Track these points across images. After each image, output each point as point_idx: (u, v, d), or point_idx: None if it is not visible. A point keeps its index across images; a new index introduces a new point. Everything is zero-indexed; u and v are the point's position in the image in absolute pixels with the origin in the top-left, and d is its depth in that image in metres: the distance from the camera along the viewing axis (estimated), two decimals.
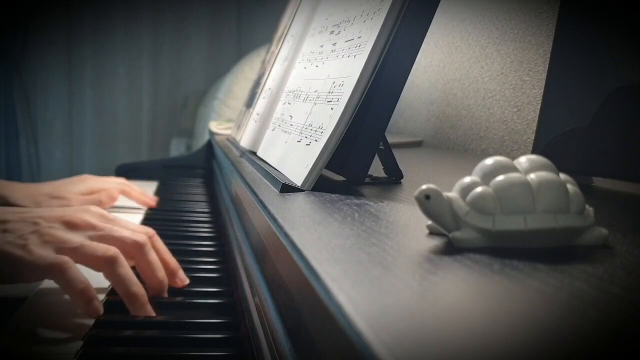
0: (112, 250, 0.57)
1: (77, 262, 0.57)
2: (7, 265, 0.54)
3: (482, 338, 0.19)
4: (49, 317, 0.57)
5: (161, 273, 0.61)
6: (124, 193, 1.02)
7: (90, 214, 0.62)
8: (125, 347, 0.51)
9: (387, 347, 0.18)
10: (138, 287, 0.57)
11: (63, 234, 0.58)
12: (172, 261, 0.64)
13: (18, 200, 0.90)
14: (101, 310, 0.54)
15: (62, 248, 0.56)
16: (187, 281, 0.64)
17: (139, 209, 1.04)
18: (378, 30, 0.49)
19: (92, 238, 0.59)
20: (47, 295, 0.62)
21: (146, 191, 1.28)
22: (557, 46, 0.66)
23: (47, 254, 0.55)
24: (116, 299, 0.61)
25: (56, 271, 0.53)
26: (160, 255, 0.63)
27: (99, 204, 0.94)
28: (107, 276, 0.57)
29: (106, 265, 0.56)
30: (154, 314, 0.57)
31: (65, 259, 0.54)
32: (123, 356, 0.50)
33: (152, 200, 1.06)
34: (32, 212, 0.61)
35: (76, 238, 0.58)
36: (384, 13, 0.49)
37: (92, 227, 0.60)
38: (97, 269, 0.57)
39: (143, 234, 0.62)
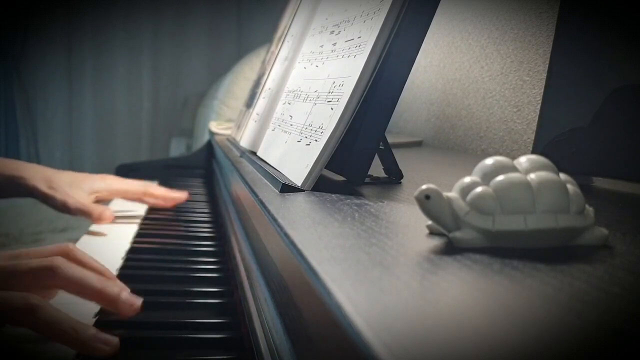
0: (31, 298, 0.45)
1: None
2: None
3: (482, 338, 0.19)
4: None
5: (95, 282, 0.50)
6: (147, 195, 0.99)
7: None
8: (125, 347, 0.51)
9: (387, 347, 0.18)
10: (76, 329, 0.46)
11: None
12: (97, 281, 0.50)
13: (33, 181, 0.90)
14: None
15: None
16: (138, 304, 0.51)
17: (135, 217, 0.99)
18: (378, 30, 0.49)
19: None
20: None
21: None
22: (557, 46, 0.66)
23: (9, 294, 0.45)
24: None
25: (27, 314, 0.44)
26: (86, 266, 0.52)
27: (94, 218, 0.90)
28: (31, 328, 0.45)
29: (27, 317, 0.45)
30: (109, 352, 0.46)
31: (33, 299, 0.45)
32: (123, 356, 0.50)
33: (181, 196, 1.02)
34: None
35: None
36: (384, 13, 0.49)
37: None
38: (16, 323, 0.46)
39: (56, 254, 0.51)
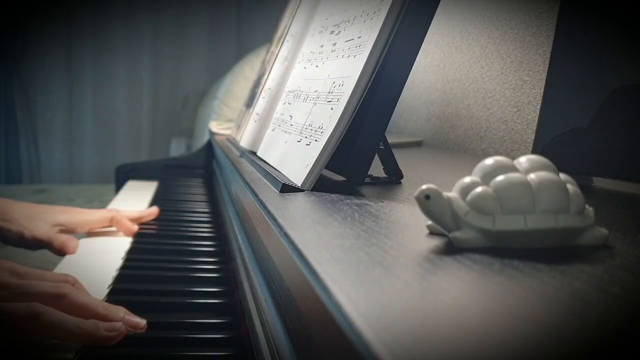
0: (34, 306, 0.49)
1: None
2: None
3: (482, 338, 0.19)
4: None
5: (100, 308, 0.53)
6: (114, 223, 0.91)
7: (7, 274, 0.54)
8: (126, 347, 0.51)
9: (387, 347, 0.18)
10: (78, 324, 0.50)
11: None
12: (106, 311, 0.53)
13: None
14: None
15: None
16: (144, 323, 0.54)
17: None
18: (378, 30, 0.49)
19: (6, 299, 0.51)
20: None
21: (147, 190, 1.28)
22: (557, 46, 0.66)
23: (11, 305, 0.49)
24: (116, 299, 0.61)
25: (30, 320, 0.48)
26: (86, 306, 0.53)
27: (56, 249, 0.83)
28: (38, 334, 0.50)
29: (32, 322, 0.48)
30: (117, 335, 0.50)
31: (32, 306, 0.48)
32: (123, 356, 0.50)
33: (150, 212, 0.96)
34: None
35: None
36: (384, 13, 0.49)
37: (5, 287, 0.52)
38: (21, 332, 0.49)
39: (63, 282, 0.55)
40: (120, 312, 0.53)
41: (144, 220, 0.95)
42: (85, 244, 0.85)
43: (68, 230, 0.88)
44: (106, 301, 0.58)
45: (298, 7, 0.87)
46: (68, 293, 0.52)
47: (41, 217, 0.85)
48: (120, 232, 0.91)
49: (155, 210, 0.98)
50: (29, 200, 0.93)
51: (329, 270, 0.26)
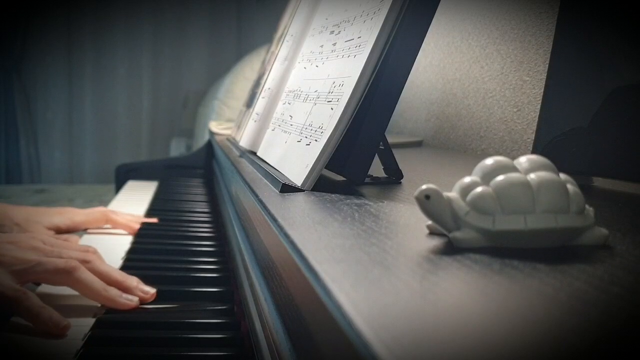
0: (72, 261, 0.58)
1: (37, 280, 0.59)
2: None
3: (482, 338, 0.19)
4: None
5: (116, 275, 0.61)
6: (109, 222, 0.92)
7: (35, 240, 0.62)
8: (125, 347, 0.51)
9: (387, 347, 0.18)
10: (105, 288, 0.58)
11: (18, 254, 0.58)
12: (125, 279, 0.61)
13: None
14: (64, 322, 0.53)
15: (19, 270, 0.56)
16: (153, 291, 0.61)
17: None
18: (378, 30, 0.49)
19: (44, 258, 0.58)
20: (47, 295, 0.62)
21: (147, 190, 1.28)
22: (557, 46, 0.66)
23: (3, 279, 0.54)
24: None
25: (13, 302, 0.53)
26: (107, 274, 0.61)
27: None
28: (72, 286, 0.58)
29: (68, 276, 0.57)
30: (135, 304, 0.59)
31: (22, 291, 0.54)
32: (123, 356, 0.50)
33: (138, 224, 0.93)
34: None
35: (32, 257, 0.58)
36: (384, 13, 0.49)
37: (41, 250, 0.60)
38: (58, 282, 0.58)
39: (86, 253, 0.62)
40: (134, 281, 0.61)
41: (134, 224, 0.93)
42: (85, 243, 0.85)
43: (64, 232, 0.87)
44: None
45: (298, 7, 0.87)
46: (92, 260, 0.61)
47: (37, 220, 0.85)
48: (120, 230, 0.91)
49: (152, 220, 0.96)
50: (29, 200, 0.92)
51: (329, 270, 0.26)
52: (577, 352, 0.18)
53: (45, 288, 0.62)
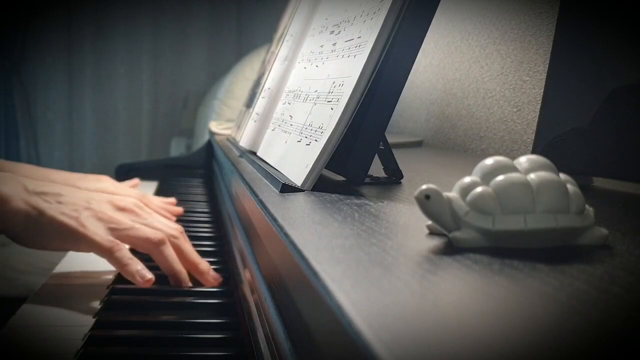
0: (160, 234, 0.63)
1: (125, 242, 0.63)
2: (61, 234, 0.60)
3: (482, 338, 0.19)
4: (49, 317, 0.57)
5: (194, 258, 0.66)
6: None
7: (134, 203, 0.68)
8: (125, 347, 0.51)
9: (387, 347, 0.18)
10: (180, 266, 0.64)
11: (115, 215, 0.64)
12: (200, 262, 0.67)
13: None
14: (149, 275, 0.60)
15: (113, 228, 0.63)
16: (220, 279, 0.67)
17: None
18: (378, 30, 0.49)
19: (136, 225, 0.64)
20: (47, 296, 0.62)
21: (147, 190, 1.28)
22: (557, 46, 0.66)
23: (100, 232, 0.62)
24: (116, 299, 0.61)
25: (107, 252, 0.60)
26: (187, 254, 0.67)
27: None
28: (153, 256, 0.63)
29: (154, 247, 0.63)
30: (190, 284, 0.64)
31: (116, 243, 0.61)
32: (123, 356, 0.50)
33: (175, 210, 0.92)
34: (82, 192, 0.66)
35: (126, 220, 0.64)
36: (384, 13, 0.49)
37: (136, 215, 0.67)
38: (143, 249, 0.64)
39: (174, 229, 0.68)
40: (206, 266, 0.66)
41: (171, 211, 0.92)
42: None
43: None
44: (106, 301, 0.59)
45: (298, 7, 0.87)
46: (178, 237, 0.66)
47: (78, 185, 0.82)
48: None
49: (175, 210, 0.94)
50: None
51: (329, 270, 0.26)
52: (577, 352, 0.18)
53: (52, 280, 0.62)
